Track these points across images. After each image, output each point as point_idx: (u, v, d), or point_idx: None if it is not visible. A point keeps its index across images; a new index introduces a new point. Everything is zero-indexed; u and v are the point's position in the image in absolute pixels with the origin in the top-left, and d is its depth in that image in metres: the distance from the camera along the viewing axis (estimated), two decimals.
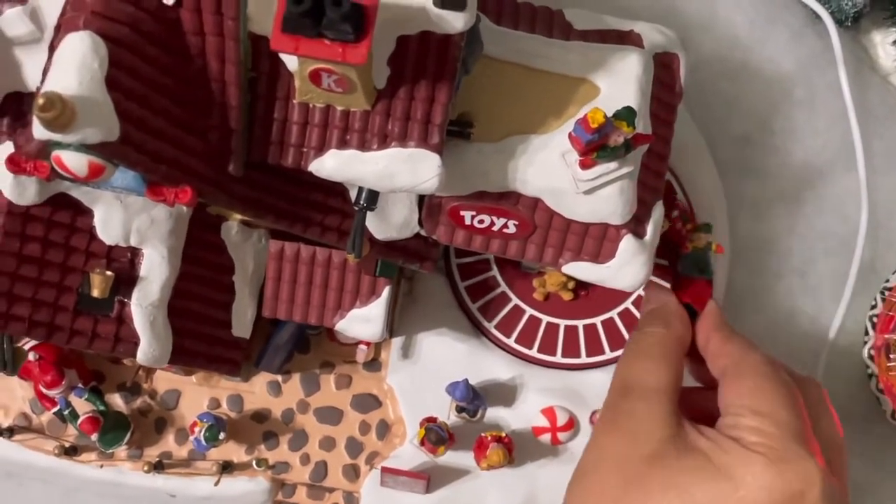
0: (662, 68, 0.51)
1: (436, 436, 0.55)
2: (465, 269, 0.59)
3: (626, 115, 0.44)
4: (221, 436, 0.55)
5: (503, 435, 0.56)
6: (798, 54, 0.63)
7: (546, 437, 0.58)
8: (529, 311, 0.59)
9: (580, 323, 0.59)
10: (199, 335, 0.50)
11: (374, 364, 0.60)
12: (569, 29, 0.51)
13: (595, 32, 0.51)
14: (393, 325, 0.59)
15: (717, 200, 0.62)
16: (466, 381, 0.55)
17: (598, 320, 0.59)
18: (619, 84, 0.49)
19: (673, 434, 0.44)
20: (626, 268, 0.50)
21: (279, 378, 0.59)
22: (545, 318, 0.59)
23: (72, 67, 0.37)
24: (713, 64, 0.63)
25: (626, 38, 0.51)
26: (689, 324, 0.50)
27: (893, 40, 0.63)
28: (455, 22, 0.41)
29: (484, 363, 0.59)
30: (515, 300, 0.59)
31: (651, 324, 0.50)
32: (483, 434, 0.56)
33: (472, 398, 0.56)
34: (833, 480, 0.43)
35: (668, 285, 0.53)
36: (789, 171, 0.63)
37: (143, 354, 0.47)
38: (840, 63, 0.61)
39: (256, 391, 0.59)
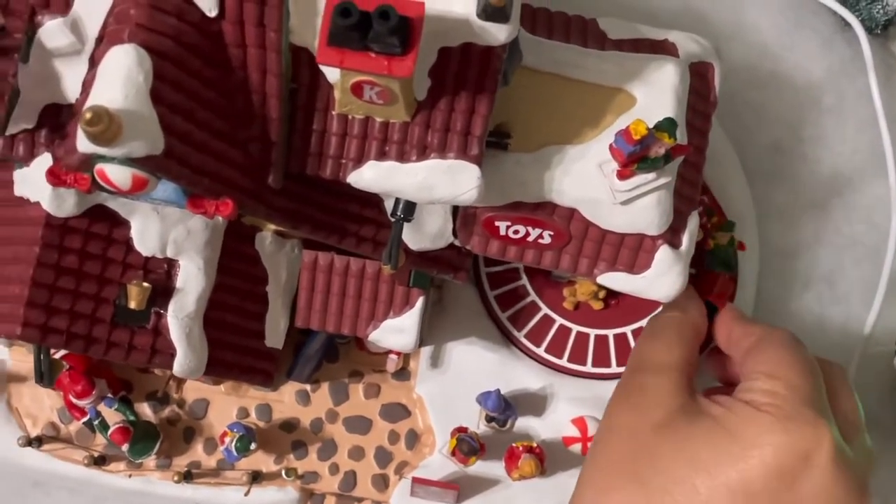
0: (697, 77, 0.51)
1: (468, 446, 0.55)
2: (494, 278, 0.59)
3: (668, 126, 0.44)
4: (253, 446, 0.55)
5: (534, 445, 0.56)
6: (827, 62, 0.63)
7: (577, 447, 0.58)
8: (559, 320, 0.59)
9: (610, 332, 0.59)
10: (234, 346, 0.50)
11: (403, 373, 0.59)
12: (603, 38, 0.51)
13: (629, 42, 0.51)
14: (423, 335, 0.59)
15: (747, 208, 0.62)
16: (498, 391, 0.55)
17: (628, 329, 0.59)
18: (656, 94, 0.48)
19: (683, 404, 0.45)
20: (662, 278, 0.49)
21: (308, 387, 0.59)
22: (575, 328, 0.59)
23: (117, 81, 0.37)
24: (742, 72, 0.63)
25: (661, 48, 0.51)
26: (704, 313, 0.50)
27: None
28: (498, 34, 0.40)
29: (514, 373, 0.59)
30: (545, 309, 0.59)
31: (668, 309, 0.50)
32: (514, 444, 0.56)
33: (504, 408, 0.56)
34: (846, 448, 0.43)
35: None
36: (818, 178, 0.63)
37: (179, 366, 0.47)
38: (871, 70, 0.61)
39: (285, 400, 0.59)
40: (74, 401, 0.56)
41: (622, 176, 0.46)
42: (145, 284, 0.46)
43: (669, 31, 0.52)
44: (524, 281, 0.59)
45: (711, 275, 0.53)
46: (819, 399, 0.44)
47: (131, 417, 0.56)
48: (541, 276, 0.59)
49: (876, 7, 0.60)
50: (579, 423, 0.58)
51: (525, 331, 0.59)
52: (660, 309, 0.52)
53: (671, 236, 0.49)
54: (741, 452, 0.42)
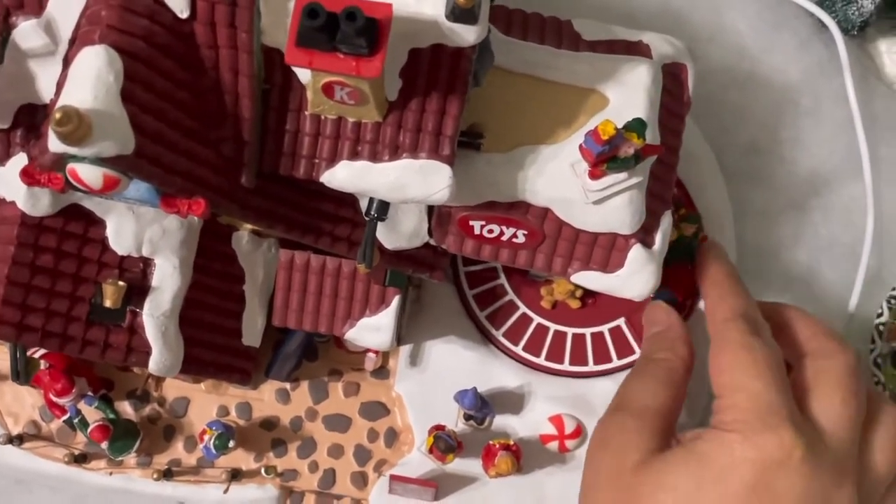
0: (671, 78, 0.52)
1: (444, 444, 0.55)
2: (472, 278, 0.60)
3: (637, 126, 0.44)
4: (231, 444, 0.56)
5: (511, 443, 0.56)
6: (804, 63, 0.63)
7: (554, 445, 0.58)
8: (537, 319, 0.59)
9: (588, 331, 0.59)
10: (210, 344, 0.51)
11: (382, 372, 0.60)
12: (577, 39, 0.51)
13: (604, 43, 0.51)
14: (401, 333, 0.59)
15: (724, 208, 0.62)
16: (475, 389, 0.55)
17: (605, 328, 0.59)
18: (629, 94, 0.49)
19: (662, 446, 0.45)
20: (635, 277, 0.50)
21: (288, 386, 0.59)
22: (553, 326, 0.59)
23: (87, 81, 0.37)
24: (720, 74, 0.63)
25: (635, 49, 0.51)
26: (693, 353, 0.51)
27: None
28: (467, 35, 0.41)
29: (492, 371, 0.59)
30: (523, 308, 0.60)
31: (658, 350, 0.50)
32: (491, 442, 0.56)
33: (481, 406, 0.56)
34: (822, 446, 0.44)
35: (671, 308, 0.53)
36: (796, 179, 0.63)
37: (154, 364, 0.47)
38: (846, 72, 0.62)
39: (265, 399, 0.59)
40: (54, 399, 0.56)
41: (594, 176, 0.47)
42: (121, 283, 0.46)
43: (644, 32, 0.52)
44: (502, 280, 0.60)
45: (672, 268, 0.53)
46: (780, 399, 0.44)
47: (111, 416, 0.57)
48: (519, 276, 0.60)
49: (851, 9, 0.60)
50: (556, 421, 0.58)
51: (503, 329, 0.59)
52: (648, 341, 0.52)
53: (644, 235, 0.50)
54: (717, 476, 0.43)
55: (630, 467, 0.45)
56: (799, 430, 0.44)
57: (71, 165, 0.38)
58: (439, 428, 0.56)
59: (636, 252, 0.49)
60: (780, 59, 0.63)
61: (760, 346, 0.46)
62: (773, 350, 0.46)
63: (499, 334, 0.59)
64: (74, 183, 0.39)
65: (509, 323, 0.60)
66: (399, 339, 0.59)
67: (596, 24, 0.52)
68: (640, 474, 0.45)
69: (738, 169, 0.63)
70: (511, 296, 0.60)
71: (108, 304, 0.46)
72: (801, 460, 0.43)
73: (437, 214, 0.50)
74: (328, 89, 0.41)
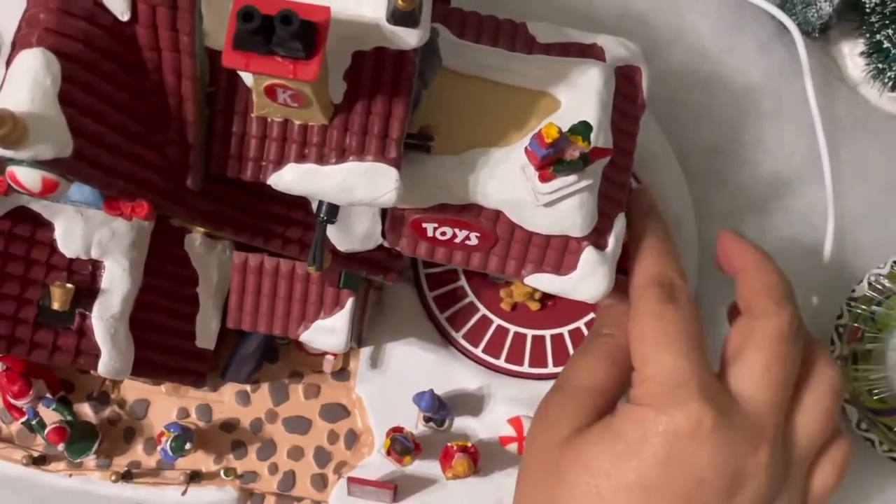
0: (625, 81, 0.52)
1: (401, 446, 0.55)
2: (433, 279, 0.60)
3: (582, 129, 0.44)
4: (188, 446, 0.56)
5: (469, 445, 0.56)
6: (766, 65, 0.63)
7: (513, 447, 0.58)
8: (497, 320, 0.60)
9: (547, 333, 0.59)
10: (162, 347, 0.51)
11: (342, 374, 0.60)
12: (532, 42, 0.51)
13: (558, 45, 0.51)
14: (362, 335, 0.59)
15: (686, 209, 0.62)
16: (432, 391, 0.56)
17: (565, 330, 0.59)
18: (580, 97, 0.49)
19: (590, 424, 0.45)
20: (588, 279, 0.50)
21: (248, 388, 0.59)
22: (513, 328, 0.59)
23: (24, 84, 0.37)
24: (682, 76, 0.63)
25: (589, 52, 0.51)
26: None
27: (861, 51, 0.64)
28: (409, 38, 0.41)
29: (452, 373, 0.59)
30: (483, 310, 0.60)
31: (604, 325, 0.50)
32: (449, 444, 0.56)
33: (438, 408, 0.56)
34: (736, 413, 0.44)
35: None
36: (758, 181, 0.63)
37: (103, 367, 0.47)
38: (807, 74, 0.62)
39: (225, 401, 0.59)
40: (12, 401, 0.56)
41: (543, 178, 0.47)
42: (69, 286, 0.46)
43: (598, 35, 0.52)
44: (462, 282, 0.60)
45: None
46: (690, 369, 0.44)
47: (69, 418, 0.57)
48: (479, 278, 0.60)
49: (810, 11, 0.60)
50: (515, 422, 0.58)
51: (463, 331, 0.60)
52: (598, 316, 0.52)
53: (596, 238, 0.50)
54: (631, 451, 0.43)
55: (557, 443, 0.45)
56: (709, 400, 0.43)
57: (10, 168, 0.38)
58: (397, 430, 0.56)
59: (588, 254, 0.49)
60: (741, 61, 0.63)
61: (672, 314, 0.46)
62: (686, 316, 0.46)
63: (459, 336, 0.59)
64: (14, 186, 0.39)
65: (469, 325, 0.60)
66: (360, 341, 0.60)
67: (550, 26, 0.52)
68: (564, 449, 0.45)
69: (700, 170, 0.63)
70: (471, 298, 0.60)
71: (56, 306, 0.46)
72: (710, 430, 0.43)
73: (390, 217, 0.50)
74: (271, 92, 0.41)
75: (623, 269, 0.51)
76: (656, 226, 0.51)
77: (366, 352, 0.60)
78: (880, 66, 0.62)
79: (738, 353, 0.46)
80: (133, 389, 0.59)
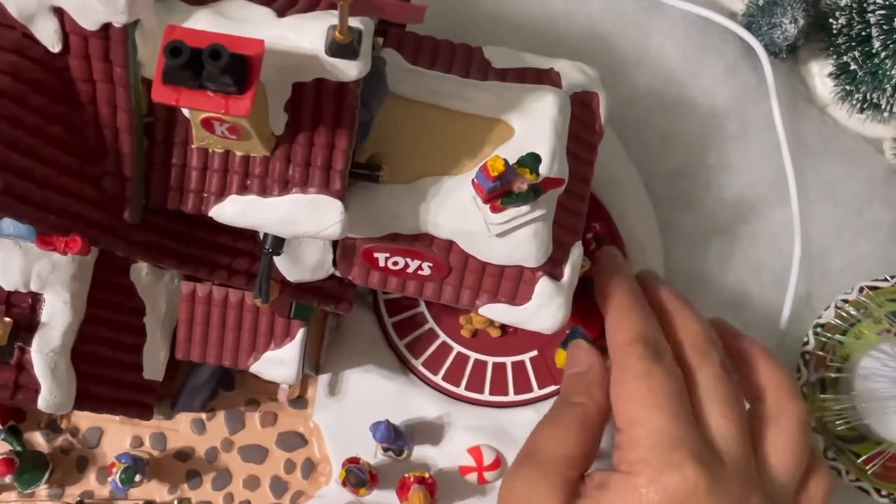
0: (582, 107, 0.51)
1: (356, 478, 0.54)
2: (392, 305, 0.59)
3: (530, 162, 0.43)
4: (138, 477, 0.55)
5: (426, 475, 0.55)
6: (732, 87, 0.62)
7: (473, 477, 0.57)
8: (457, 347, 0.58)
9: (508, 360, 0.58)
10: (107, 380, 0.49)
11: (300, 401, 0.59)
12: (487, 67, 0.50)
13: (514, 71, 0.50)
14: (319, 362, 0.58)
15: (651, 233, 0.61)
16: (387, 421, 0.54)
17: (526, 357, 0.58)
18: (534, 124, 0.48)
19: (569, 498, 0.44)
20: (543, 310, 0.49)
21: (203, 416, 0.58)
22: (473, 355, 0.58)
23: None
24: (647, 98, 0.62)
25: (545, 77, 0.50)
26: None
27: (829, 72, 0.63)
28: (348, 70, 0.40)
29: (412, 401, 0.58)
30: (443, 337, 0.59)
31: (574, 394, 0.49)
32: (406, 475, 0.55)
33: (395, 438, 0.55)
34: (723, 470, 0.43)
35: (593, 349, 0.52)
36: (724, 204, 0.62)
37: (44, 401, 0.46)
38: (773, 95, 0.61)
39: (180, 429, 0.58)
40: None
41: (495, 209, 0.46)
42: (7, 319, 0.45)
43: (556, 60, 0.51)
44: (422, 308, 0.59)
45: (589, 305, 0.52)
46: (680, 433, 0.43)
47: (18, 448, 0.56)
48: (439, 304, 0.59)
49: (776, 32, 0.59)
50: (475, 452, 0.57)
51: (423, 358, 0.58)
52: (566, 382, 0.51)
53: (552, 268, 0.49)
54: None
55: None
56: (702, 463, 0.43)
57: None
58: (353, 461, 0.55)
59: (543, 285, 0.48)
60: (707, 83, 0.62)
61: (659, 375, 0.45)
62: (673, 377, 0.45)
63: (418, 363, 0.58)
64: None
65: (429, 352, 0.59)
66: (317, 368, 0.59)
67: (507, 51, 0.51)
68: None
69: (666, 194, 0.62)
70: (431, 324, 0.59)
71: None
72: (706, 492, 0.42)
73: (341, 246, 0.49)
74: (208, 125, 0.40)
75: (589, 340, 0.51)
76: (626, 283, 0.50)
77: (324, 379, 0.59)
78: (848, 87, 0.61)
79: (702, 404, 0.46)
80: (86, 418, 0.58)
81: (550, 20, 0.62)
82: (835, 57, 0.61)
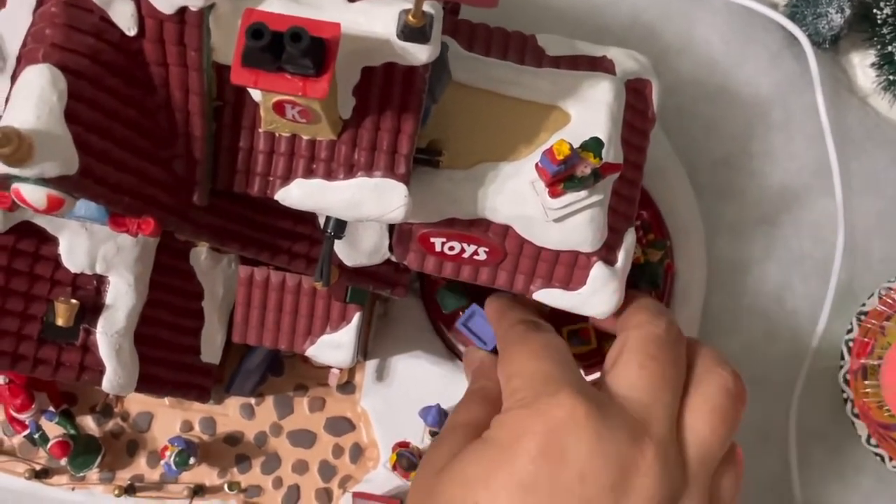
0: (635, 94, 0.51)
1: (407, 461, 0.55)
2: None
3: (594, 146, 0.43)
4: (192, 461, 0.55)
5: None
6: (775, 77, 0.63)
7: None
8: None
9: None
10: (167, 362, 0.50)
11: (347, 387, 0.59)
12: (541, 55, 0.51)
13: (567, 58, 0.51)
14: (367, 348, 0.59)
15: (694, 223, 0.62)
16: (438, 406, 0.55)
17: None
18: (590, 111, 0.48)
19: (465, 444, 0.44)
20: (597, 295, 0.49)
21: (252, 401, 0.59)
22: None
23: (30, 101, 0.37)
24: (691, 87, 0.63)
25: (598, 65, 0.51)
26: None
27: (872, 62, 0.63)
28: (419, 54, 0.40)
29: (458, 387, 0.58)
30: None
31: (476, 381, 0.51)
32: None
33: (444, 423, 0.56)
34: (612, 407, 0.42)
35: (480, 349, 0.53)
36: (767, 193, 0.63)
37: (108, 383, 0.47)
38: (817, 85, 0.61)
39: (230, 414, 0.59)
40: (14, 414, 0.55)
41: (553, 194, 0.46)
42: (73, 301, 0.45)
43: (608, 48, 0.52)
44: None
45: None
46: (557, 370, 0.44)
47: (72, 431, 0.56)
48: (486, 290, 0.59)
49: (821, 22, 0.59)
50: None
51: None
52: (471, 377, 0.52)
53: (606, 253, 0.49)
54: (505, 454, 0.41)
55: (434, 473, 0.44)
56: (581, 393, 0.42)
57: (15, 185, 0.38)
58: (403, 445, 0.56)
59: (598, 270, 0.49)
60: (751, 72, 0.63)
61: (537, 337, 0.47)
62: (552, 338, 0.47)
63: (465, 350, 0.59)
64: (19, 203, 0.38)
65: None
66: (365, 353, 0.59)
67: (560, 39, 0.52)
68: (440, 475, 0.44)
69: (709, 183, 0.62)
70: None
71: (60, 322, 0.45)
72: (586, 416, 0.41)
73: (397, 231, 0.50)
74: (279, 108, 0.40)
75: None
76: (509, 302, 0.52)
77: (371, 365, 0.59)
78: (891, 77, 0.62)
79: (614, 361, 0.45)
80: (136, 402, 0.59)
81: (595, 8, 0.63)
82: (878, 47, 0.62)
